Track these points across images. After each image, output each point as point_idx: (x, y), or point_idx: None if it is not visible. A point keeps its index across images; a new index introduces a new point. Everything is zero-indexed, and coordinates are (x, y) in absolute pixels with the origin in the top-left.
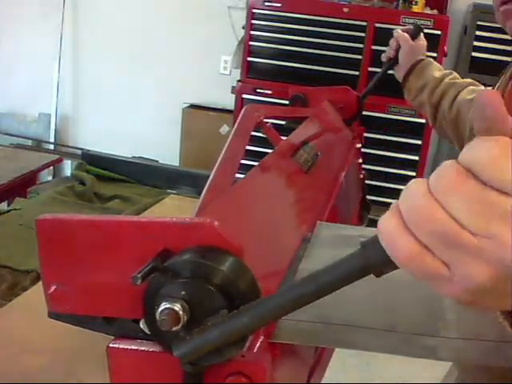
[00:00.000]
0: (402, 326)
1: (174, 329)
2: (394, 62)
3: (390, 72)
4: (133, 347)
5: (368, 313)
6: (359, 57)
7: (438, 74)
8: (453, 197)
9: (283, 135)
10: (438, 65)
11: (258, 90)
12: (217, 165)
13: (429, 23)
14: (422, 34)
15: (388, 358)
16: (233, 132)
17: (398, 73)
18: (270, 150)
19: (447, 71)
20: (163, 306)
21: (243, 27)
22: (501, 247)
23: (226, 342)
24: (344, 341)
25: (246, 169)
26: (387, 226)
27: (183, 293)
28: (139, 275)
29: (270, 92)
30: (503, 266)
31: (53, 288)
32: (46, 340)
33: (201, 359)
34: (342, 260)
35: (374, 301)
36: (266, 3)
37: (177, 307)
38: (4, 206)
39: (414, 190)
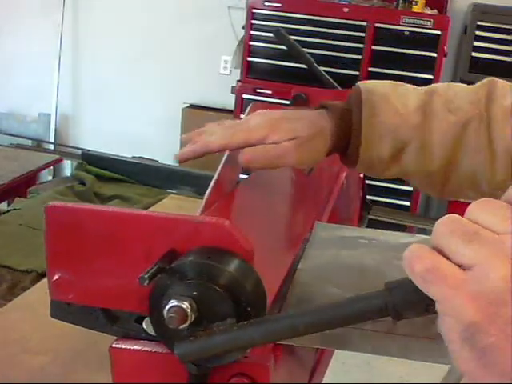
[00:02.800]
0: (401, 328)
1: (181, 327)
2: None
3: (390, 72)
4: (136, 348)
5: None
6: (359, 57)
7: (413, 115)
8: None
9: None
10: (398, 88)
11: (258, 90)
12: (221, 164)
13: (429, 23)
14: None
15: (388, 357)
16: None
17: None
18: None
19: (421, 99)
20: (171, 303)
21: (243, 27)
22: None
23: (228, 351)
24: (343, 343)
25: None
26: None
27: (190, 294)
28: (146, 276)
29: (269, 92)
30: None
31: (57, 276)
32: (46, 340)
33: (204, 361)
34: (363, 296)
35: None
36: (266, 3)
37: (185, 305)
38: (4, 205)
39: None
